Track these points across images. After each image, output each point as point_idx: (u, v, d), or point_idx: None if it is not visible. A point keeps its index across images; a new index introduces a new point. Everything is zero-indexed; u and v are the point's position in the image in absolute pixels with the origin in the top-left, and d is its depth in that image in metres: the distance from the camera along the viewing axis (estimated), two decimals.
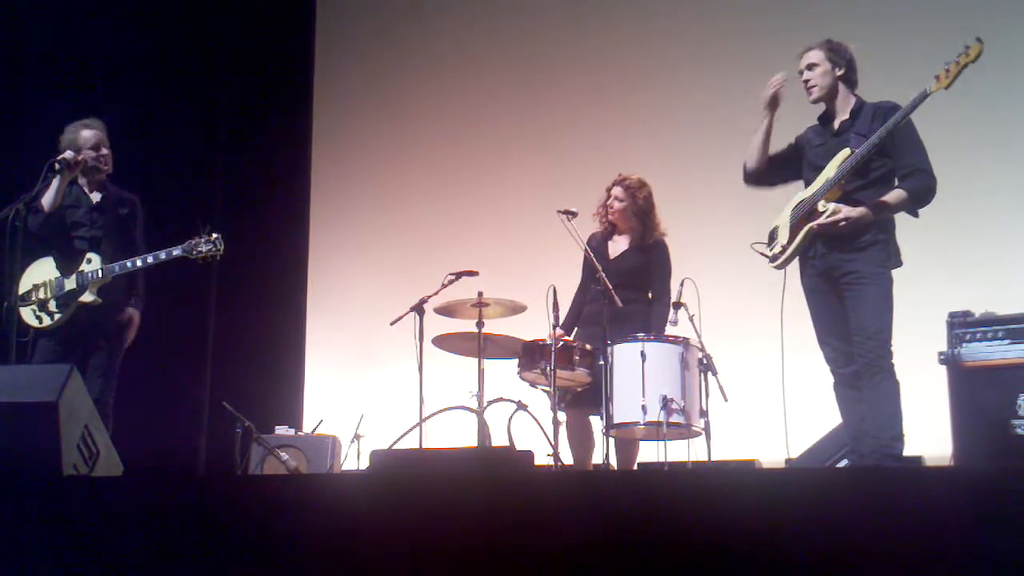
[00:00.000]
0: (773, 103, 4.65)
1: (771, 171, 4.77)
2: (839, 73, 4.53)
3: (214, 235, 5.22)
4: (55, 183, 5.13)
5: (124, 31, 7.29)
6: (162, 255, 5.23)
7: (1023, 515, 2.54)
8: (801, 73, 4.60)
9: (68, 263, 5.28)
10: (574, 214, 5.75)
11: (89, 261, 5.26)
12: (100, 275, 5.22)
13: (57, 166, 5.11)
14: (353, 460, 6.54)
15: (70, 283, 5.24)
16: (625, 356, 5.40)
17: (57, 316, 5.24)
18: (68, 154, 5.18)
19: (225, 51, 7.94)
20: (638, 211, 5.76)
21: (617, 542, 2.76)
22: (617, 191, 5.82)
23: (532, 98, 7.89)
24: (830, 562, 2.61)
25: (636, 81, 7.62)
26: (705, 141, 7.30)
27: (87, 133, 5.34)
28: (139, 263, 5.23)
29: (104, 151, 5.36)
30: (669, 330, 5.49)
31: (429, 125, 8.15)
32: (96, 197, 5.37)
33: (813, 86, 4.56)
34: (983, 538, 2.54)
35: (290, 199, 8.25)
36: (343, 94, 8.44)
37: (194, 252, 5.20)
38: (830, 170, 4.47)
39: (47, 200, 5.16)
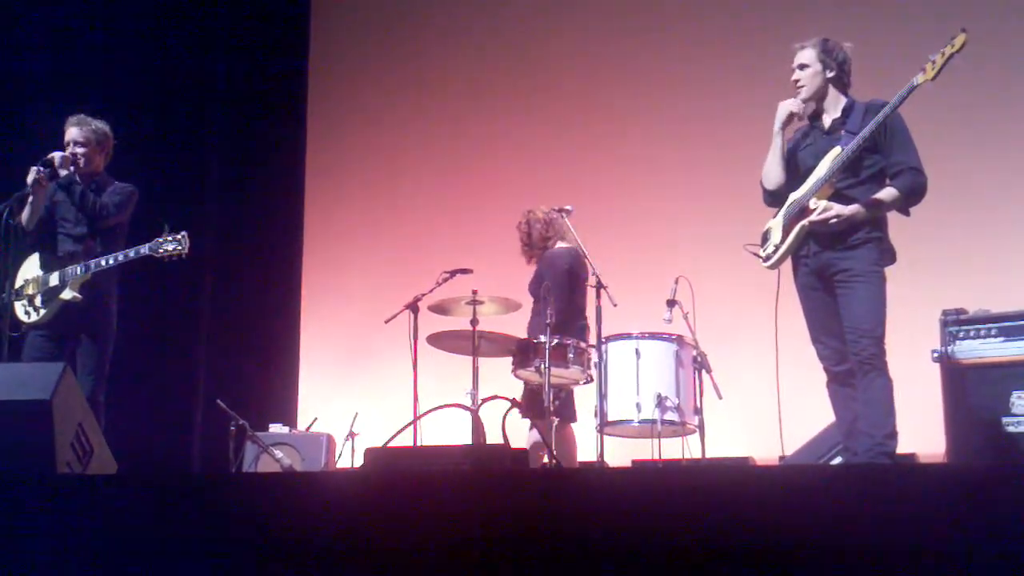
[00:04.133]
0: (788, 124, 4.61)
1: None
2: (829, 75, 4.51)
3: (180, 233, 5.22)
4: (29, 202, 5.15)
5: (121, 34, 7.28)
6: (131, 253, 5.24)
7: (1016, 512, 2.54)
8: (793, 70, 4.59)
9: (54, 259, 5.30)
10: (568, 211, 5.79)
11: (73, 257, 5.28)
12: (79, 273, 5.23)
13: (45, 168, 5.16)
14: (348, 458, 6.54)
15: (54, 279, 5.27)
16: (619, 354, 5.41)
17: (42, 312, 5.26)
18: (57, 156, 5.21)
19: (221, 50, 7.94)
20: (527, 241, 6.13)
21: (612, 540, 2.76)
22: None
23: (525, 96, 7.89)
24: (824, 559, 2.62)
25: (631, 80, 7.63)
26: (700, 140, 7.32)
27: (71, 131, 5.37)
28: (111, 261, 5.24)
29: (78, 149, 5.34)
30: (664, 327, 5.50)
31: (423, 123, 8.15)
32: (78, 190, 5.35)
33: (802, 86, 4.56)
34: (976, 535, 2.55)
35: (284, 197, 8.25)
36: (337, 92, 8.44)
37: (160, 250, 5.20)
38: (821, 168, 4.46)
39: (24, 218, 5.19)
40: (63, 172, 5.30)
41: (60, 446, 3.83)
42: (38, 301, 5.27)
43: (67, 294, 5.22)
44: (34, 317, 5.27)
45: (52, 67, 6.95)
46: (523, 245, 6.12)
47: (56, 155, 5.27)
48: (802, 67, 4.54)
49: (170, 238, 5.20)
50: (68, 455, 3.89)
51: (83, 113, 5.44)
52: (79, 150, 5.33)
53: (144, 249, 5.23)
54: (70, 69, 6.98)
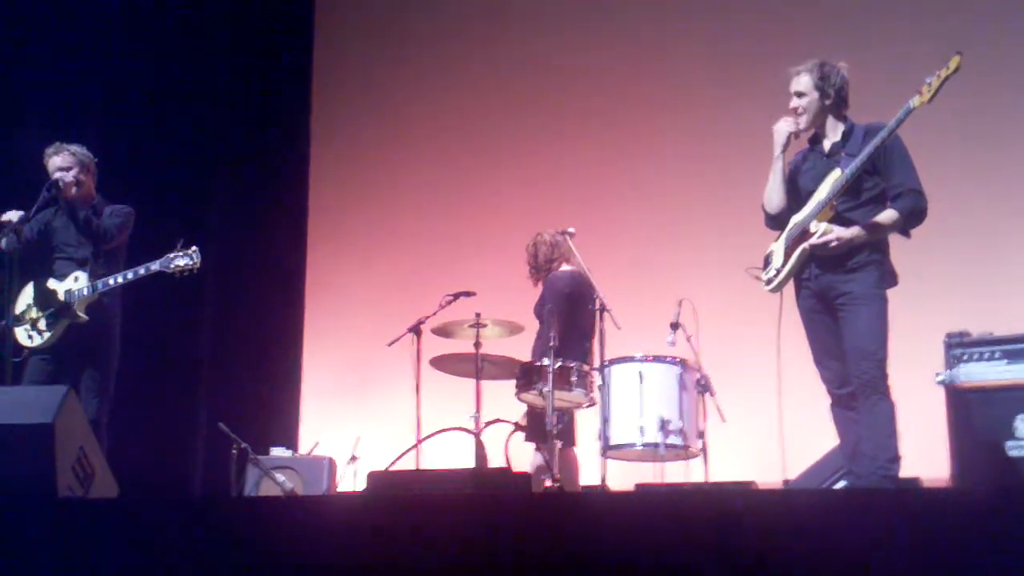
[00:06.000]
0: (788, 147, 4.62)
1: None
2: (827, 103, 4.53)
3: (191, 248, 5.22)
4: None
5: (121, 43, 7.30)
6: (141, 271, 5.24)
7: (1020, 536, 2.53)
8: (790, 96, 4.60)
9: (56, 283, 5.31)
10: (571, 234, 5.81)
11: (76, 279, 5.28)
12: (86, 293, 5.23)
13: (52, 190, 5.17)
14: (350, 481, 6.52)
15: (58, 301, 5.26)
16: (622, 377, 5.40)
17: (47, 335, 5.26)
18: (62, 182, 5.22)
19: (223, 67, 7.96)
20: (533, 264, 6.14)
21: (615, 563, 2.75)
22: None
23: (530, 117, 7.91)
24: None
25: (635, 100, 7.64)
26: (702, 162, 7.32)
27: (54, 160, 5.36)
28: (120, 279, 5.25)
29: (67, 176, 5.31)
30: (667, 350, 5.49)
31: (427, 144, 8.16)
32: (82, 215, 5.36)
33: (801, 114, 4.57)
34: (980, 559, 2.54)
35: (287, 219, 8.25)
36: (341, 113, 8.46)
37: (172, 266, 5.20)
38: (822, 191, 4.47)
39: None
40: (73, 191, 5.30)
41: (62, 469, 3.82)
42: (42, 324, 5.27)
43: (73, 315, 5.23)
44: (38, 340, 5.27)
45: (53, 78, 6.96)
46: (530, 268, 6.15)
47: (61, 177, 5.27)
48: (799, 95, 4.56)
49: (181, 253, 5.20)
50: (70, 478, 3.88)
51: (61, 139, 5.43)
52: (68, 176, 5.32)
53: (155, 265, 5.23)
54: (70, 82, 7.00)
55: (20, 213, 5.18)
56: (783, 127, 4.59)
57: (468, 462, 5.60)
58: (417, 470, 5.70)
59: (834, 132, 4.56)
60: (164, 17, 7.51)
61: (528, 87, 7.96)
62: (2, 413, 3.88)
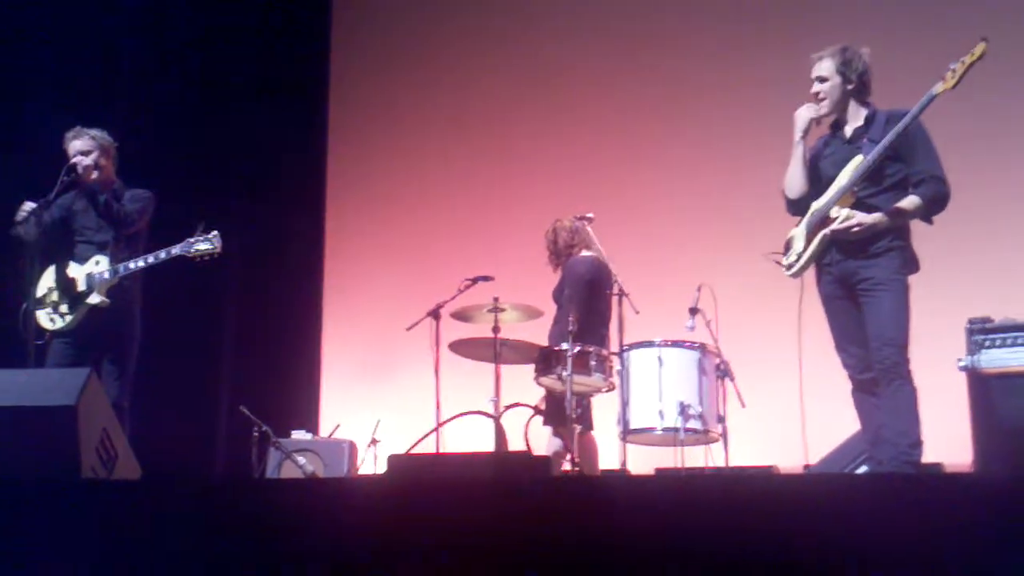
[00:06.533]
0: (808, 132, 4.59)
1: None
2: (849, 88, 4.50)
3: (212, 233, 5.23)
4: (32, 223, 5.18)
5: (137, 32, 7.32)
6: (162, 254, 5.26)
7: None
8: (812, 81, 4.57)
9: (77, 266, 5.34)
10: (589, 219, 5.80)
11: (97, 263, 5.31)
12: (107, 277, 5.26)
13: (71, 174, 5.20)
14: (370, 465, 6.55)
15: (79, 285, 5.29)
16: (642, 362, 5.40)
17: (69, 318, 5.29)
18: (80, 165, 5.24)
19: (241, 54, 7.98)
20: (553, 249, 6.13)
21: (635, 548, 2.75)
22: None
23: (548, 103, 7.90)
24: (848, 569, 2.60)
25: (652, 88, 7.62)
26: (723, 147, 7.30)
27: (74, 144, 5.37)
28: (141, 263, 5.27)
29: (87, 160, 5.33)
30: (686, 335, 5.49)
31: (445, 130, 8.17)
32: (102, 199, 5.37)
33: (823, 99, 4.54)
34: (1002, 545, 2.53)
35: (306, 203, 8.28)
36: (359, 98, 8.47)
37: (192, 251, 5.22)
38: (843, 177, 4.44)
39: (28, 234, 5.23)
40: (93, 175, 5.33)
41: (85, 451, 3.85)
42: (64, 307, 5.30)
43: (95, 298, 5.25)
44: (59, 324, 5.30)
45: (67, 70, 6.97)
46: (549, 253, 6.15)
47: (79, 161, 5.29)
48: (821, 80, 4.52)
49: (202, 238, 5.22)
50: (93, 460, 3.91)
51: (82, 124, 5.44)
52: (88, 160, 5.34)
53: (176, 250, 5.26)
54: (81, 64, 7.01)
55: (32, 205, 5.20)
56: (804, 112, 4.57)
57: (488, 446, 5.62)
58: (437, 453, 5.71)
59: (856, 118, 4.53)
60: (188, 5, 7.53)
61: (547, 73, 7.94)
62: (26, 395, 3.91)
